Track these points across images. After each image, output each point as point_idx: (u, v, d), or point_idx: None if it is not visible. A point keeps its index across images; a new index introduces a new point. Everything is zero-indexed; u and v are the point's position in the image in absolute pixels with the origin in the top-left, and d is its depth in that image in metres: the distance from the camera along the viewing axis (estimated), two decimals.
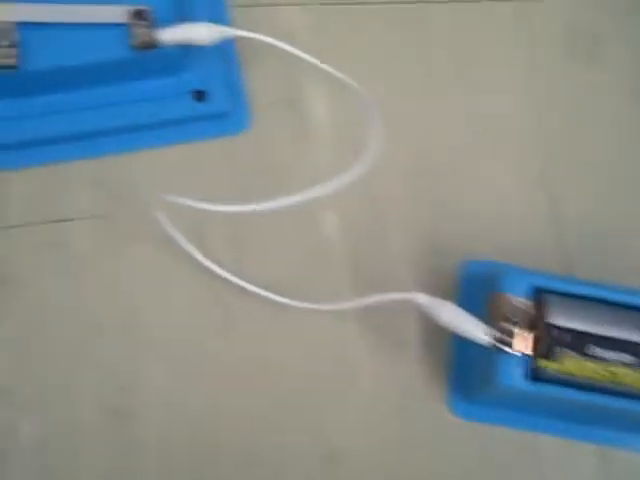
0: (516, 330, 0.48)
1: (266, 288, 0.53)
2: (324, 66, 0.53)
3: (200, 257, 0.53)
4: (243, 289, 0.53)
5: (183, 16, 0.53)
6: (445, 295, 0.51)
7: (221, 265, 0.53)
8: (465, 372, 0.54)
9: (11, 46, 0.50)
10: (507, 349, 0.48)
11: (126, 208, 0.54)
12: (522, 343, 0.48)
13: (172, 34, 0.51)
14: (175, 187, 0.53)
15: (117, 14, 0.51)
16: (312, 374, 0.54)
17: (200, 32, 0.52)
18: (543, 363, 0.48)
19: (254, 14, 0.58)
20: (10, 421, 0.51)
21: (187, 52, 0.53)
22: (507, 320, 0.49)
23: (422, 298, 0.50)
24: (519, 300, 0.49)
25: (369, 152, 0.50)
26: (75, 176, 0.55)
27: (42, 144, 0.54)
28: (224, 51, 0.55)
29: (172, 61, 0.53)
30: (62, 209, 0.54)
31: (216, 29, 0.52)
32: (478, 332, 0.49)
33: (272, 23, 0.57)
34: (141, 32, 0.51)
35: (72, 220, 0.54)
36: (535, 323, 0.49)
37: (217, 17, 0.55)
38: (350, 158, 0.55)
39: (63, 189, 0.54)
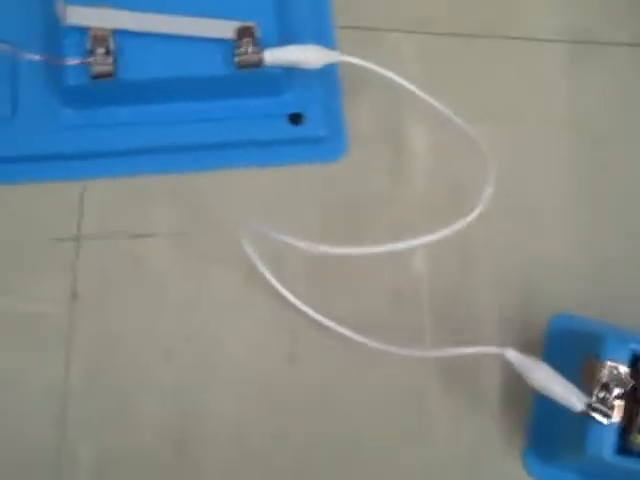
0: (616, 402, 0.46)
1: (344, 323, 0.51)
2: (431, 100, 0.50)
3: (279, 287, 0.51)
4: (319, 322, 0.51)
5: (288, 35, 0.51)
6: (529, 348, 0.49)
7: (299, 295, 0.51)
8: (545, 432, 0.52)
9: (107, 54, 0.48)
10: (602, 419, 0.46)
11: (209, 228, 0.52)
12: (618, 414, 0.46)
13: (277, 55, 0.49)
14: (262, 210, 0.53)
15: (222, 29, 0.49)
16: (382, 418, 0.52)
17: (307, 55, 0.49)
18: (638, 438, 0.46)
19: (359, 37, 0.55)
20: (70, 440, 0.49)
21: (288, 73, 0.51)
22: (605, 389, 0.46)
23: (513, 355, 0.47)
24: (618, 367, 0.47)
25: (479, 205, 0.47)
26: (158, 190, 0.53)
27: (127, 154, 0.52)
28: (326, 74, 0.52)
29: (273, 82, 0.51)
30: (141, 224, 0.52)
31: (324, 53, 0.50)
32: (571, 398, 0.46)
33: (377, 49, 0.55)
34: (246, 50, 0.49)
35: (150, 236, 0.52)
36: (633, 393, 0.46)
37: (322, 38, 0.53)
38: (446, 198, 0.54)
39: (144, 203, 0.52)
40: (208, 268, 0.52)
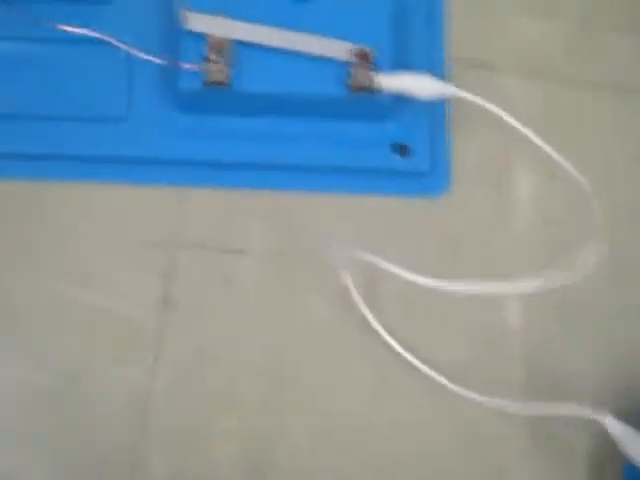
0: None
1: (430, 363, 0.49)
2: (543, 144, 0.48)
3: (371, 319, 0.49)
4: (407, 360, 0.49)
5: (402, 63, 0.51)
6: (622, 415, 0.46)
7: (388, 329, 0.49)
8: None
9: (224, 63, 0.49)
10: None
11: (303, 250, 0.51)
12: None
13: (392, 82, 0.49)
14: (356, 238, 0.51)
15: (340, 51, 0.49)
16: (461, 466, 0.49)
17: (422, 85, 0.49)
18: None
19: (470, 73, 0.54)
20: (146, 446, 0.48)
21: (399, 101, 0.50)
22: None
23: (611, 423, 0.45)
24: None
25: (586, 260, 0.46)
26: (256, 206, 0.52)
27: (230, 166, 0.52)
28: (434, 107, 0.52)
29: (383, 108, 0.51)
30: (236, 238, 0.51)
31: (440, 85, 0.49)
32: None
33: (488, 86, 0.53)
34: (361, 73, 0.48)
35: (245, 252, 0.51)
36: None
37: (434, 69, 0.52)
38: (547, 247, 0.52)
39: (241, 218, 0.52)
40: (299, 291, 0.51)
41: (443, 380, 0.49)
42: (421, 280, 0.43)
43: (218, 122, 0.51)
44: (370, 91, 0.49)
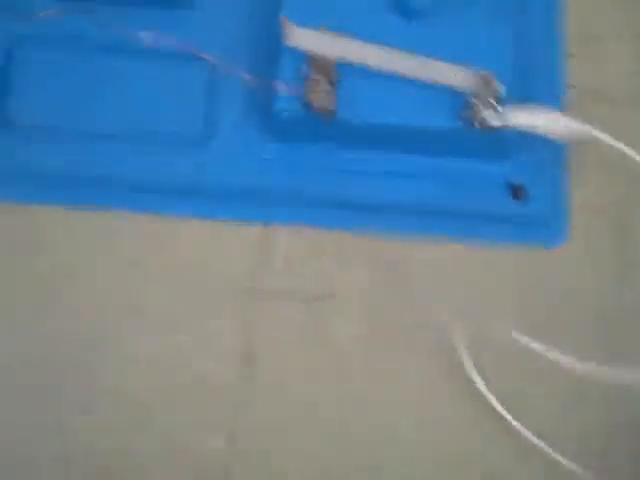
0: None
1: (538, 436, 0.43)
2: None
3: (482, 385, 0.43)
4: (516, 432, 0.43)
5: (522, 94, 0.45)
6: None
7: (496, 396, 0.43)
8: None
9: (330, 88, 0.43)
10: None
11: (400, 302, 0.45)
12: None
13: (520, 117, 0.43)
14: (460, 290, 0.46)
15: (460, 78, 0.43)
16: None
17: (556, 124, 0.43)
18: None
19: (589, 106, 0.48)
20: None
21: (519, 138, 0.44)
22: None
23: None
24: None
25: None
26: (349, 250, 0.46)
27: (323, 203, 0.46)
28: (553, 146, 0.46)
29: (503, 146, 0.45)
30: (326, 283, 0.46)
31: (576, 125, 0.43)
32: None
33: (605, 121, 0.46)
34: (484, 106, 0.42)
35: (335, 302, 0.45)
36: None
37: (554, 101, 0.46)
38: None
39: (332, 262, 0.46)
40: (396, 348, 0.45)
41: (560, 458, 0.43)
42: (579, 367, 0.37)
43: (313, 152, 0.45)
44: (492, 128, 0.43)
